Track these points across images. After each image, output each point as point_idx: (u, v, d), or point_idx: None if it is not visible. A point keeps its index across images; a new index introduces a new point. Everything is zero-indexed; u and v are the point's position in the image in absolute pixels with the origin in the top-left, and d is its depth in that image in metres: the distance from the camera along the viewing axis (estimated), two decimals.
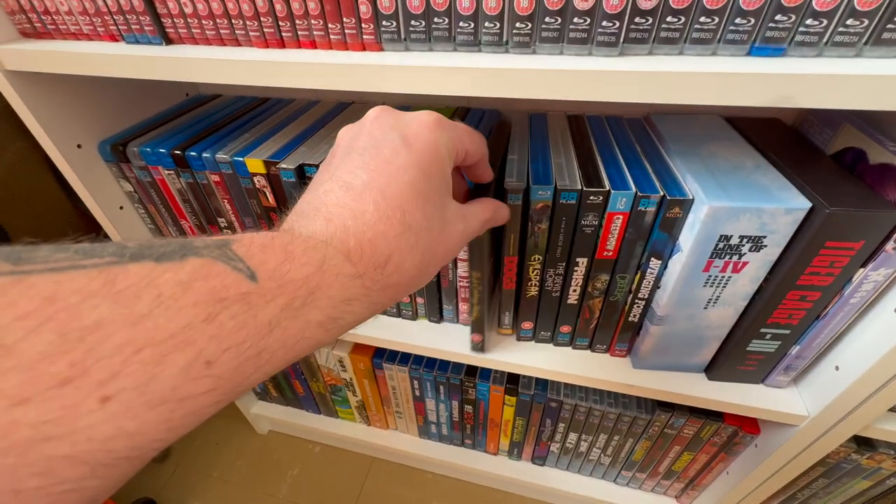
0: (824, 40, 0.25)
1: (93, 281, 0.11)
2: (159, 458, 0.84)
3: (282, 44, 0.35)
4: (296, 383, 0.78)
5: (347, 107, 0.56)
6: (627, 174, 0.38)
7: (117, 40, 0.39)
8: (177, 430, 0.12)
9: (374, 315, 0.19)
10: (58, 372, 0.10)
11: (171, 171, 0.49)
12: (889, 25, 0.24)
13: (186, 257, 0.13)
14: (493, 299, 0.50)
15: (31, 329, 0.10)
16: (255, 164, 0.44)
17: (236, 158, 0.45)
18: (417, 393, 0.69)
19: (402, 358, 0.66)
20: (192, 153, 0.46)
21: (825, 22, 0.25)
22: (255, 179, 0.45)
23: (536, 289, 0.46)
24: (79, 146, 0.48)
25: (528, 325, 0.50)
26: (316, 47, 0.34)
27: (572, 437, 0.65)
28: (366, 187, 0.19)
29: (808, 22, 0.25)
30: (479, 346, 0.50)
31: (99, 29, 0.39)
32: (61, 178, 0.51)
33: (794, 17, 0.25)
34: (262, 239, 0.15)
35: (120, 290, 0.11)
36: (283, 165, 0.43)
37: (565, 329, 0.49)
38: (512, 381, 0.62)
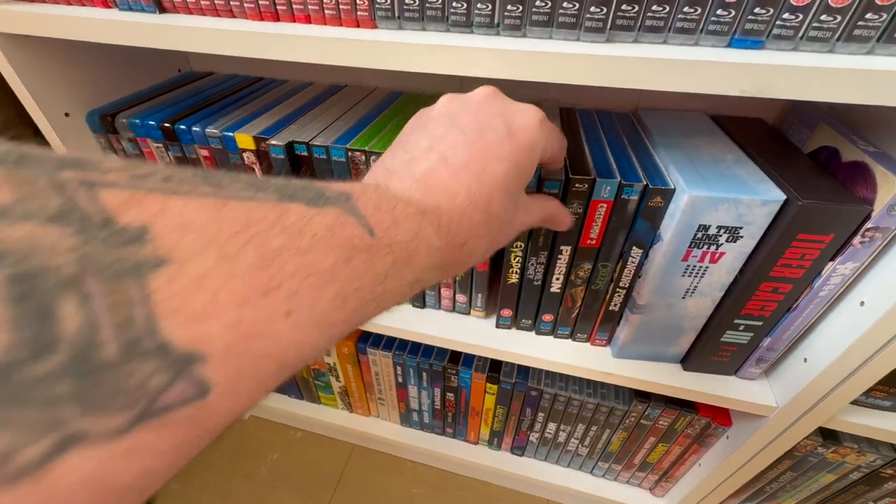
0: (800, 35, 0.27)
1: (270, 213, 0.13)
2: None
3: (276, 17, 0.35)
4: None
5: (340, 90, 0.56)
6: (613, 164, 0.39)
7: (110, 6, 0.39)
8: (320, 351, 0.14)
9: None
10: (263, 283, 0.12)
11: (160, 144, 0.48)
12: (860, 22, 0.25)
13: (327, 206, 0.15)
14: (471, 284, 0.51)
15: (241, 245, 0.12)
16: (244, 139, 0.44)
17: (226, 133, 0.45)
18: (400, 379, 0.69)
19: (387, 343, 0.66)
20: (182, 126, 0.46)
21: (801, 17, 0.26)
22: (245, 155, 0.45)
23: (517, 276, 0.46)
24: (67, 115, 0.48)
25: (507, 312, 0.51)
26: (310, 22, 0.34)
27: (551, 426, 0.66)
28: (463, 167, 0.20)
29: (785, 16, 0.26)
30: None
31: None
32: None
33: (772, 11, 0.26)
34: (372, 198, 0.17)
35: (288, 225, 0.13)
36: (273, 142, 0.43)
37: (547, 318, 0.50)
38: (494, 370, 0.63)
